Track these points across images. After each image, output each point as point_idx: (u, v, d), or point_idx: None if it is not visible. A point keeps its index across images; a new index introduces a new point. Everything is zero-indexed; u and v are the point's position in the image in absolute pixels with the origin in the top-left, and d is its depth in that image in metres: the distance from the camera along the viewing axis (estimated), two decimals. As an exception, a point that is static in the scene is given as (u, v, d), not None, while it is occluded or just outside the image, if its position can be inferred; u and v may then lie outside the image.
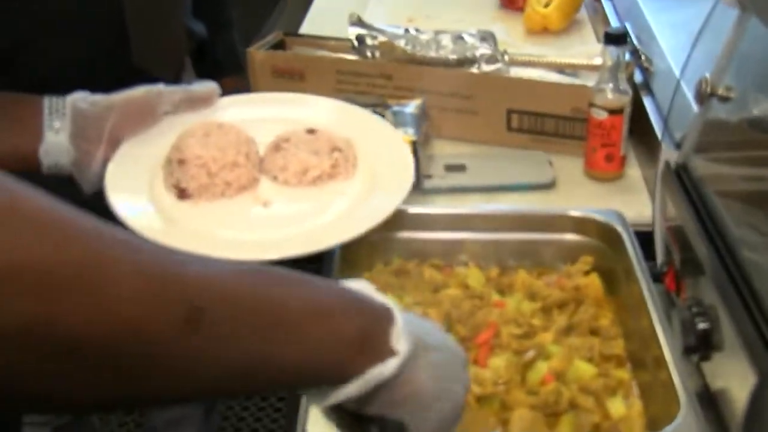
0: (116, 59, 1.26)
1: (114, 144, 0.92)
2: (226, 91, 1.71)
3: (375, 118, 1.11)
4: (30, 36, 1.19)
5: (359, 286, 0.64)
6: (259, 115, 1.06)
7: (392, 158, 1.02)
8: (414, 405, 0.64)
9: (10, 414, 0.85)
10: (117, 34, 1.25)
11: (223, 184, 0.95)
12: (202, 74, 1.70)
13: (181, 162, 0.94)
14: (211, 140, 0.96)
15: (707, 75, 0.95)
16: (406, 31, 1.47)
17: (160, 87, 0.97)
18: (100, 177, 0.92)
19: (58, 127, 0.90)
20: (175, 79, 1.46)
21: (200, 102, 1.01)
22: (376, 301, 0.63)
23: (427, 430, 0.65)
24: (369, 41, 1.42)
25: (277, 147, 0.99)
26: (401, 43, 1.41)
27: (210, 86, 1.01)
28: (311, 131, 1.02)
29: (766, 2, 0.88)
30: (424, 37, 1.43)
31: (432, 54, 1.39)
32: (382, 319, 0.62)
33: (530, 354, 0.88)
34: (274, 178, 0.97)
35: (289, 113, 1.08)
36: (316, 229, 0.92)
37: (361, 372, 0.60)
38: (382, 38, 1.42)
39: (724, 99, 0.95)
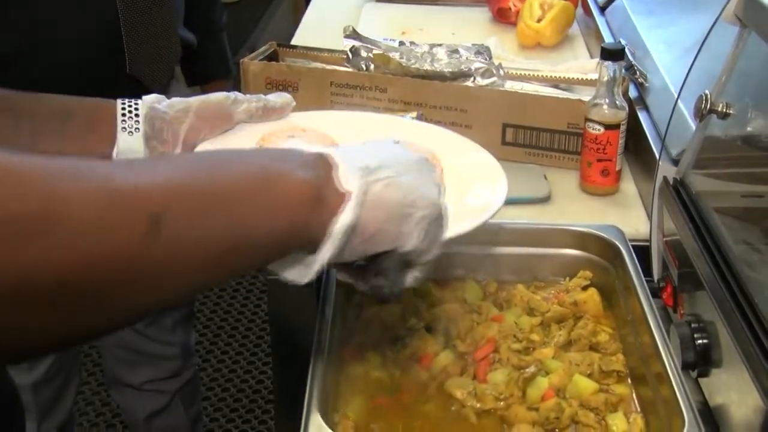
0: (110, 67, 1.26)
1: (188, 148, 0.92)
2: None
3: (439, 129, 1.10)
4: (28, 42, 1.18)
5: (293, 144, 0.68)
6: (331, 128, 1.04)
7: (474, 162, 1.00)
8: (391, 228, 0.66)
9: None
10: (112, 43, 1.25)
11: None
12: (190, 79, 1.70)
13: None
14: (297, 142, 0.96)
15: (707, 91, 0.95)
16: (401, 43, 1.47)
17: (237, 94, 0.97)
18: None
19: (132, 129, 0.89)
20: (165, 86, 1.46)
21: (275, 112, 1.00)
22: (312, 152, 0.65)
23: (416, 243, 0.68)
24: (363, 53, 1.42)
25: None
26: (396, 56, 1.40)
27: (285, 98, 1.01)
28: (395, 142, 1.01)
29: (767, 19, 0.88)
30: (419, 50, 1.43)
31: (427, 67, 1.39)
32: (324, 166, 0.64)
33: (531, 369, 0.88)
34: None
35: (359, 129, 1.06)
36: None
37: (324, 225, 0.63)
38: (377, 51, 1.41)
39: (724, 115, 0.95)
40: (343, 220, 0.63)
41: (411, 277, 0.74)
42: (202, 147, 0.93)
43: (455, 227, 0.87)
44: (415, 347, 0.92)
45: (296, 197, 0.62)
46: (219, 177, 0.60)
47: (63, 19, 1.21)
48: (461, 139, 1.08)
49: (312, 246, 0.64)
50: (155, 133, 0.90)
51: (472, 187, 0.96)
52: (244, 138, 0.98)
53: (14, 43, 1.18)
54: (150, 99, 0.92)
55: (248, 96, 0.99)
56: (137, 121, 0.90)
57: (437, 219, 0.70)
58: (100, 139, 0.89)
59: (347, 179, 0.64)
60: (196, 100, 0.93)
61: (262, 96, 1.01)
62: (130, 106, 0.90)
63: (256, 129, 0.99)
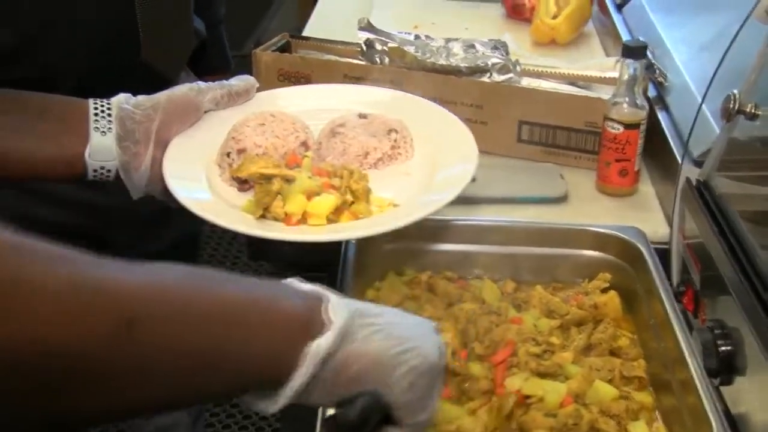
0: (124, 53, 1.24)
1: (161, 144, 0.92)
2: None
3: (413, 97, 1.09)
4: (44, 26, 1.16)
5: (287, 281, 0.65)
6: (300, 106, 1.05)
7: (446, 132, 0.99)
8: (375, 373, 0.62)
9: None
10: (127, 29, 1.23)
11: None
12: (194, 71, 1.68)
13: (241, 152, 0.93)
14: (267, 129, 0.95)
15: (735, 92, 0.93)
16: (417, 37, 1.44)
17: (201, 84, 0.97)
18: (148, 180, 0.92)
19: (104, 129, 0.89)
20: (176, 76, 1.43)
21: (240, 96, 1.00)
22: (306, 287, 0.64)
23: (401, 395, 0.63)
24: (378, 46, 1.40)
25: (333, 132, 0.97)
26: (411, 49, 1.38)
27: (248, 80, 1.01)
28: (363, 116, 1.00)
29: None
30: (434, 44, 1.40)
31: (443, 62, 1.36)
32: (316, 300, 0.62)
33: (549, 374, 0.85)
34: None
35: (329, 102, 1.06)
36: (400, 208, 0.90)
37: (302, 351, 0.59)
38: (392, 44, 1.39)
39: (752, 116, 0.92)
40: (322, 343, 0.59)
41: None
42: (175, 143, 0.92)
43: (424, 208, 0.86)
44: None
45: (282, 323, 0.59)
46: (208, 291, 0.58)
47: (78, 3, 1.19)
48: (435, 108, 1.06)
49: (286, 376, 0.60)
50: (127, 134, 0.90)
51: (443, 163, 0.95)
52: (214, 130, 0.97)
53: (31, 27, 1.17)
54: (119, 99, 0.92)
55: (212, 84, 0.99)
56: (110, 120, 0.90)
57: (430, 377, 0.65)
58: (74, 139, 0.89)
59: (335, 311, 0.61)
60: (162, 96, 0.93)
61: (225, 82, 1.01)
62: (102, 105, 0.91)
63: (224, 116, 0.99)
